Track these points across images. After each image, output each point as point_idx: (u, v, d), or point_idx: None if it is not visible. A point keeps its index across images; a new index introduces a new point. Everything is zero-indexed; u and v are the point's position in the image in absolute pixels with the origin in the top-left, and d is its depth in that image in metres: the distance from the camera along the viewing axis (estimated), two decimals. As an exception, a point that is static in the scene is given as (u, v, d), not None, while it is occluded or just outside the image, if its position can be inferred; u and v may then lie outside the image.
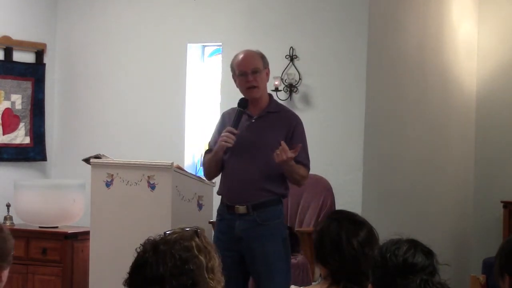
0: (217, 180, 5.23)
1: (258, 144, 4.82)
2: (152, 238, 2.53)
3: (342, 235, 3.02)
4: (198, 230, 2.56)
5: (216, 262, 2.55)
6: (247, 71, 4.86)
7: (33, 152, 7.56)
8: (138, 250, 2.51)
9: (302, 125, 4.95)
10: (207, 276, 2.47)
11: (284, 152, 4.65)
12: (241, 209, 4.84)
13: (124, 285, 2.49)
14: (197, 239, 2.52)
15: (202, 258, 2.48)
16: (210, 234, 5.93)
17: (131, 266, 2.48)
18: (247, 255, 4.83)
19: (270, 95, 5.02)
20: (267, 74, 4.95)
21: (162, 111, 7.29)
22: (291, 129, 4.84)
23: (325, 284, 3.07)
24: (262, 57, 4.95)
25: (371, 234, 3.07)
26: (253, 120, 4.89)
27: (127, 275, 2.48)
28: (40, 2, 7.63)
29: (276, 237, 4.84)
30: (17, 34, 7.39)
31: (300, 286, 3.36)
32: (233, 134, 4.82)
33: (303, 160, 4.85)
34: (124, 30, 7.48)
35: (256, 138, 4.84)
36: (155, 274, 2.41)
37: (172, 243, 2.47)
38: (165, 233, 2.55)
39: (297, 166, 4.79)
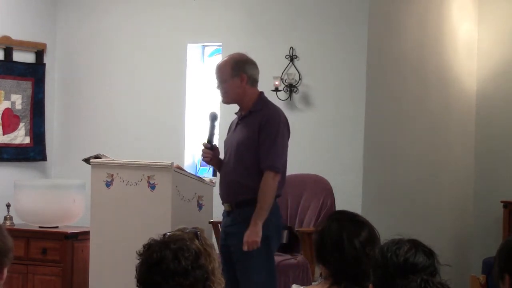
0: (217, 180, 5.26)
1: (237, 143, 4.96)
2: (156, 239, 2.52)
3: (343, 235, 3.02)
4: (198, 232, 2.56)
5: (216, 263, 2.55)
6: (216, 82, 5.09)
7: (33, 152, 7.56)
8: (142, 251, 2.49)
9: (276, 122, 4.92)
10: (215, 272, 2.48)
11: (245, 245, 4.79)
12: (227, 206, 5.01)
13: (137, 283, 2.48)
14: (197, 242, 2.52)
15: (207, 256, 2.48)
16: (210, 234, 5.94)
17: (143, 265, 2.46)
18: (231, 251, 4.94)
19: (259, 94, 5.06)
20: (243, 79, 4.95)
21: (162, 111, 7.29)
22: (261, 125, 4.90)
23: (326, 284, 3.07)
24: (233, 65, 4.98)
25: (372, 234, 3.07)
26: (239, 121, 5.03)
27: (140, 274, 2.47)
28: (40, 2, 7.63)
29: None
30: (17, 34, 7.39)
31: (301, 286, 3.36)
32: (209, 148, 5.04)
33: (264, 164, 4.86)
34: (124, 30, 7.47)
35: (236, 138, 4.98)
36: (177, 267, 2.41)
37: (181, 240, 2.48)
38: (164, 234, 2.55)
39: (261, 209, 4.81)
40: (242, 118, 5.00)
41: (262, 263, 4.89)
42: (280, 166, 4.90)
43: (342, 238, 3.02)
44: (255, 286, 4.88)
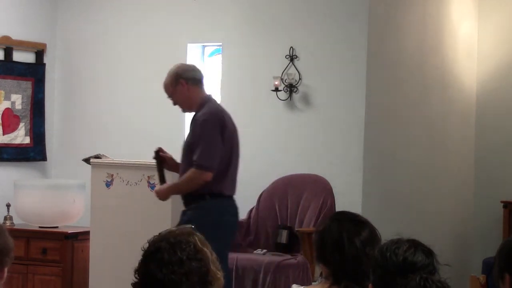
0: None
1: (184, 147, 5.29)
2: (157, 235, 2.56)
3: (344, 235, 3.02)
4: (193, 227, 2.62)
5: (214, 255, 2.59)
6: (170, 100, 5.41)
7: (33, 152, 7.56)
8: (146, 246, 2.53)
9: (201, 123, 5.17)
10: (212, 267, 2.51)
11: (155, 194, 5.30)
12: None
13: (135, 273, 2.50)
14: (197, 234, 2.56)
15: (206, 250, 2.52)
16: (210, 234, 5.94)
17: (143, 255, 2.50)
18: None
19: (204, 99, 5.31)
20: (183, 85, 5.26)
21: (162, 111, 7.28)
22: (190, 129, 5.24)
23: (326, 284, 3.07)
24: (172, 77, 5.32)
25: (373, 233, 3.07)
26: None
27: (138, 265, 2.49)
28: (40, 2, 7.63)
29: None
30: (17, 34, 7.39)
31: (301, 286, 3.37)
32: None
33: (193, 162, 5.12)
34: (124, 30, 7.47)
35: (185, 142, 5.33)
36: (172, 257, 2.44)
37: (181, 234, 2.52)
38: (160, 233, 2.58)
39: (175, 184, 5.23)
40: (190, 124, 5.31)
41: None
42: (205, 164, 5.11)
43: (343, 237, 3.02)
44: None
